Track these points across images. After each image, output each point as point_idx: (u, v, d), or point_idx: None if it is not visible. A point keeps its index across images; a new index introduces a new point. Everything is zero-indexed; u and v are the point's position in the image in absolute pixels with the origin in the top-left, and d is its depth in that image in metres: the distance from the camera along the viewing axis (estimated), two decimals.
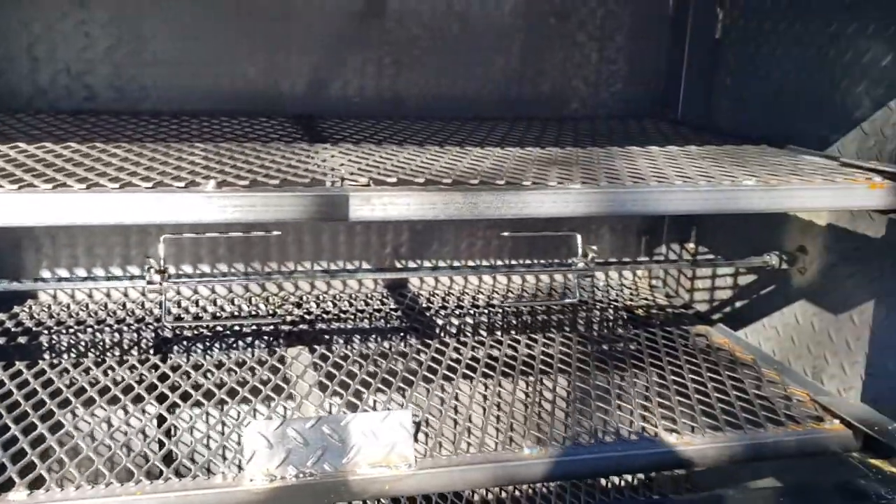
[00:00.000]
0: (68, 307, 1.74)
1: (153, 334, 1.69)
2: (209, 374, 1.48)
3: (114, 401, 1.36)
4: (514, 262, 2.01)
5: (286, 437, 1.17)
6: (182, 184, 1.03)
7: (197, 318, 1.72)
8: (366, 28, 1.83)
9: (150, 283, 1.36)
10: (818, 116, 1.62)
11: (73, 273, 1.78)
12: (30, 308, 1.72)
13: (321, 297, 1.88)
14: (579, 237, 1.67)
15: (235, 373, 1.48)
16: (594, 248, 1.66)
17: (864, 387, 1.52)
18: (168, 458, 1.21)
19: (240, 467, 1.17)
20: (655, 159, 1.46)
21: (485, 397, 1.50)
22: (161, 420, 1.36)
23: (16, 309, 1.71)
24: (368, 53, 1.85)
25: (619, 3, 1.95)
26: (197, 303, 1.80)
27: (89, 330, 1.67)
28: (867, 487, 1.30)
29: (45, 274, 1.77)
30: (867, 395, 1.50)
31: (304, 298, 1.86)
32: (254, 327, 1.72)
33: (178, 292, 1.80)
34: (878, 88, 1.47)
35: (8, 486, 1.10)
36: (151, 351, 1.67)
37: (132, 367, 1.47)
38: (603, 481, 1.99)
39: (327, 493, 1.17)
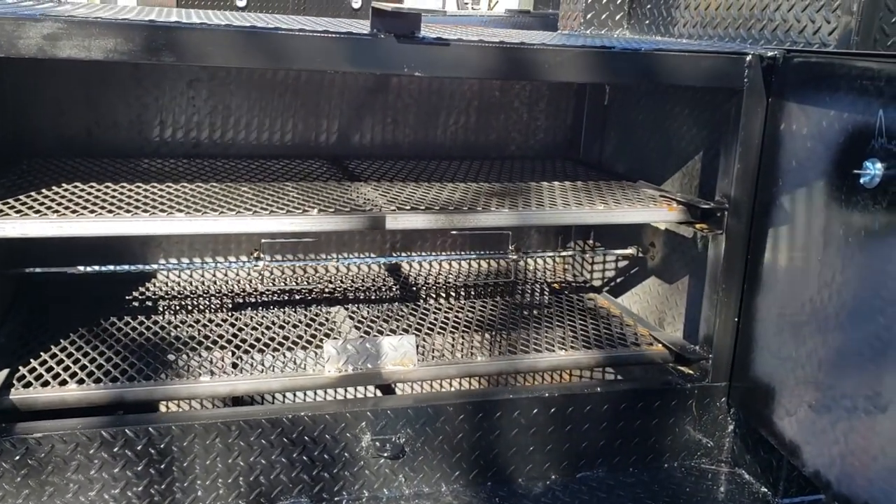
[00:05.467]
0: (178, 283, 2.65)
1: (248, 299, 2.61)
2: (289, 321, 2.41)
3: (226, 341, 2.29)
4: (471, 253, 2.97)
5: (346, 349, 2.11)
6: (300, 210, 1.96)
7: (270, 289, 2.65)
8: (375, 99, 2.77)
9: (256, 263, 2.28)
10: (659, 162, 2.59)
11: (179, 261, 2.68)
12: (152, 283, 2.63)
13: (344, 277, 2.81)
14: (510, 234, 2.63)
15: (303, 321, 2.41)
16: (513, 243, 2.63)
17: (684, 327, 2.51)
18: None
19: (322, 367, 2.10)
20: (558, 190, 2.43)
21: (453, 335, 2.46)
22: (263, 348, 2.29)
23: (145, 284, 2.62)
24: (377, 115, 2.79)
25: (541, 81, 2.92)
26: (262, 281, 2.72)
27: (197, 297, 2.59)
28: (672, 380, 2.29)
29: (161, 261, 2.67)
30: (685, 332, 2.49)
31: (334, 277, 2.79)
32: (307, 295, 2.66)
33: (261, 272, 2.68)
34: (689, 147, 2.46)
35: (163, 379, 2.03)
36: (247, 309, 2.59)
37: (245, 320, 2.40)
38: None
39: (370, 380, 2.12)
